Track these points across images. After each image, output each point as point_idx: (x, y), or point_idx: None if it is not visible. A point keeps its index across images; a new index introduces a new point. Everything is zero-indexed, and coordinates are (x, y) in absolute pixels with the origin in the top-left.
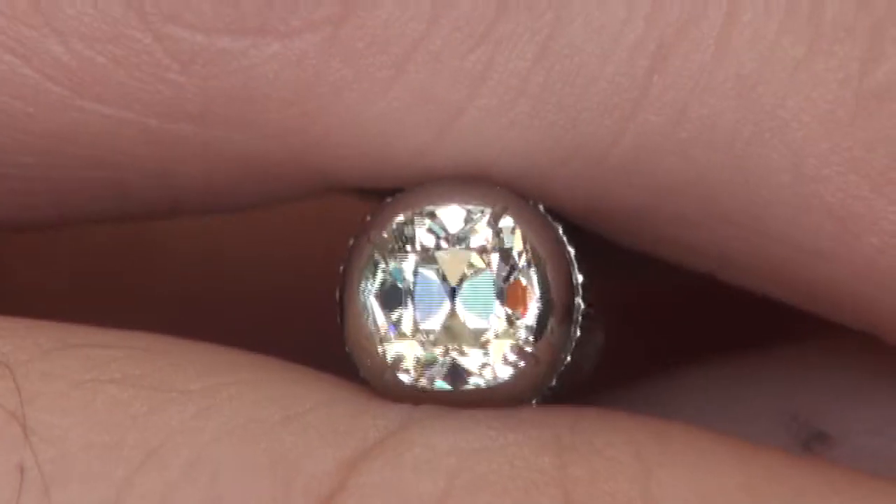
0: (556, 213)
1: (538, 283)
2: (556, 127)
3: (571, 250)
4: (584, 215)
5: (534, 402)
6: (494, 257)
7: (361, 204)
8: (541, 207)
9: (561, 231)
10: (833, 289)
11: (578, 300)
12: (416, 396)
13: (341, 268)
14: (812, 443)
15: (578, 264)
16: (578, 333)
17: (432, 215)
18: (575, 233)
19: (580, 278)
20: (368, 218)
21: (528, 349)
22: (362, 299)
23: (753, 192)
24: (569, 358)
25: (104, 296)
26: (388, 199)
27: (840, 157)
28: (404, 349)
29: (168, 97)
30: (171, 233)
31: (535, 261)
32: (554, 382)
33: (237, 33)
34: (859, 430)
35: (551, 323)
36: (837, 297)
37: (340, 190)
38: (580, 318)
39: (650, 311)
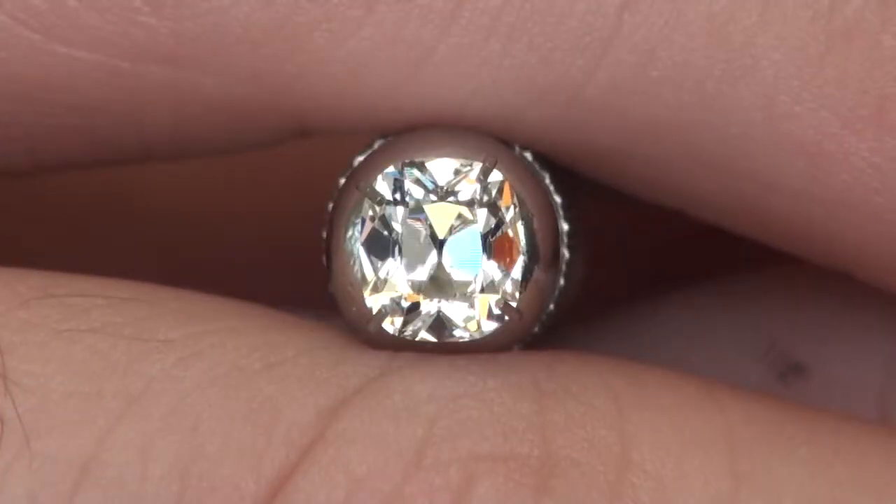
0: (544, 160)
1: (525, 237)
2: (528, 66)
3: (558, 199)
4: (556, 156)
5: (515, 347)
6: (482, 211)
7: (340, 148)
8: (528, 156)
9: (548, 180)
10: (805, 226)
11: (564, 249)
12: (400, 345)
13: (329, 208)
14: (788, 374)
15: (565, 212)
16: (562, 282)
17: (422, 167)
18: (564, 177)
19: (566, 227)
20: (356, 162)
21: (513, 304)
22: (349, 247)
23: (724, 130)
24: (552, 306)
25: (84, 246)
26: (378, 144)
27: (810, 94)
28: (389, 299)
29: (139, 40)
30: (152, 181)
31: (523, 215)
32: (537, 330)
33: None
34: (834, 360)
35: (537, 275)
36: (809, 235)
37: (315, 134)
38: (565, 267)
39: (629, 239)
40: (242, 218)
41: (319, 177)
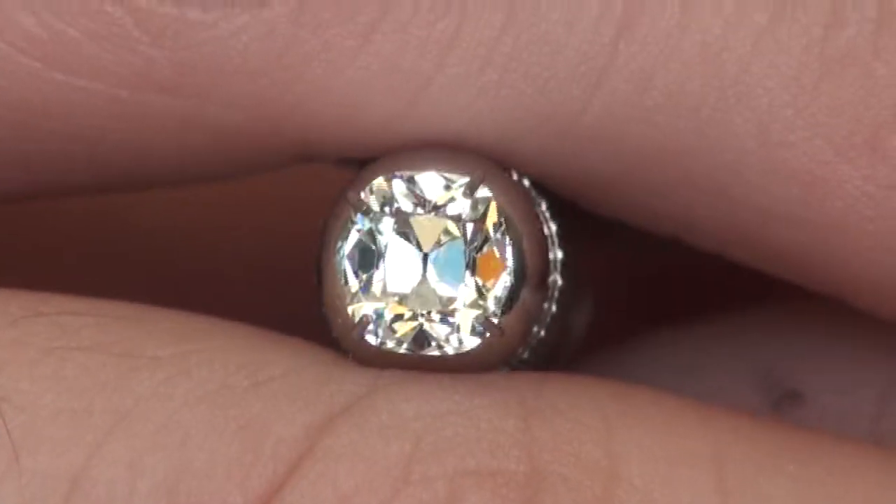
0: (542, 188)
1: (511, 255)
2: (524, 96)
3: (554, 226)
4: (552, 183)
5: (505, 369)
6: (469, 227)
7: (338, 173)
8: (525, 182)
9: (545, 206)
10: (799, 253)
11: (556, 276)
12: (384, 360)
13: (322, 225)
14: (783, 402)
15: (560, 240)
16: (555, 309)
17: (411, 180)
18: (563, 208)
19: (560, 255)
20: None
21: (495, 321)
22: (337, 259)
23: (719, 158)
24: (543, 332)
25: (78, 265)
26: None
27: (804, 122)
28: (372, 310)
29: (139, 69)
30: (146, 203)
31: (510, 233)
32: (526, 355)
33: (207, 5)
34: (829, 389)
35: (523, 296)
36: (804, 262)
37: (315, 161)
38: (557, 294)
39: (627, 278)
40: (237, 236)
41: (316, 195)
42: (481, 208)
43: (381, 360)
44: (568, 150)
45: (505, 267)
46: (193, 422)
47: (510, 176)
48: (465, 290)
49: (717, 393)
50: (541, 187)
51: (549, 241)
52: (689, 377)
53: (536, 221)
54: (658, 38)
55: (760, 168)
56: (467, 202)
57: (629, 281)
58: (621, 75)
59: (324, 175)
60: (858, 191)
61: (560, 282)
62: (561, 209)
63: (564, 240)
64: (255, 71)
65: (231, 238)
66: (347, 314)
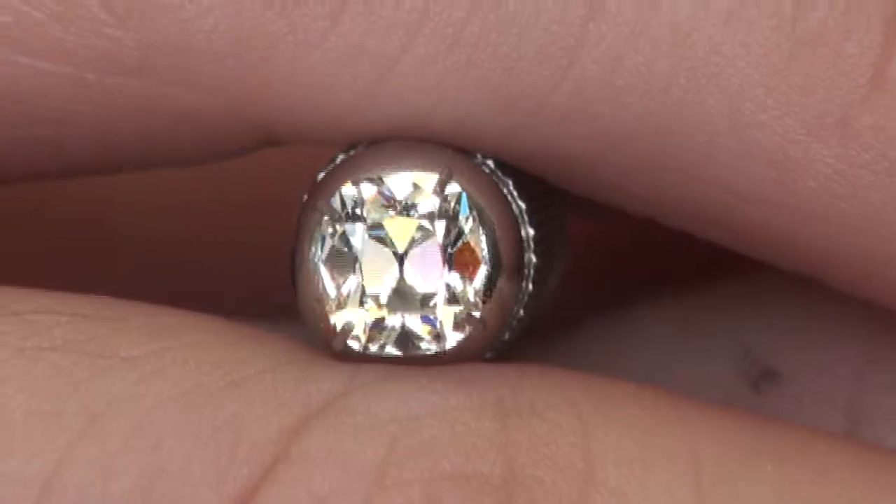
0: (507, 166)
1: (486, 246)
2: (493, 76)
3: (522, 204)
4: (523, 166)
5: (488, 355)
6: (441, 223)
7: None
8: (490, 163)
9: (512, 186)
10: (773, 234)
11: (530, 255)
12: (367, 360)
13: (295, 233)
14: (761, 382)
15: (530, 217)
16: (531, 287)
17: (380, 182)
18: (530, 183)
19: (531, 232)
20: (318, 179)
21: (476, 314)
22: (312, 265)
23: (691, 139)
24: (522, 312)
25: (56, 268)
26: (338, 160)
27: (775, 101)
28: (353, 316)
29: (105, 51)
30: (124, 199)
31: (483, 225)
32: (507, 336)
33: None
34: (807, 368)
35: (500, 284)
36: (778, 243)
37: (283, 144)
38: (532, 271)
39: (604, 248)
40: (218, 233)
41: (292, 193)
42: (452, 203)
43: (362, 360)
44: (538, 132)
45: (481, 259)
46: (167, 423)
47: (476, 163)
48: (444, 287)
49: (696, 371)
50: (506, 166)
51: (520, 219)
52: (668, 355)
53: (507, 206)
54: (627, 19)
55: (733, 148)
56: (437, 199)
57: (609, 253)
58: (591, 56)
59: (303, 170)
60: (830, 169)
61: (534, 259)
62: (528, 185)
63: (535, 215)
64: (222, 53)
65: (214, 234)
66: (328, 322)
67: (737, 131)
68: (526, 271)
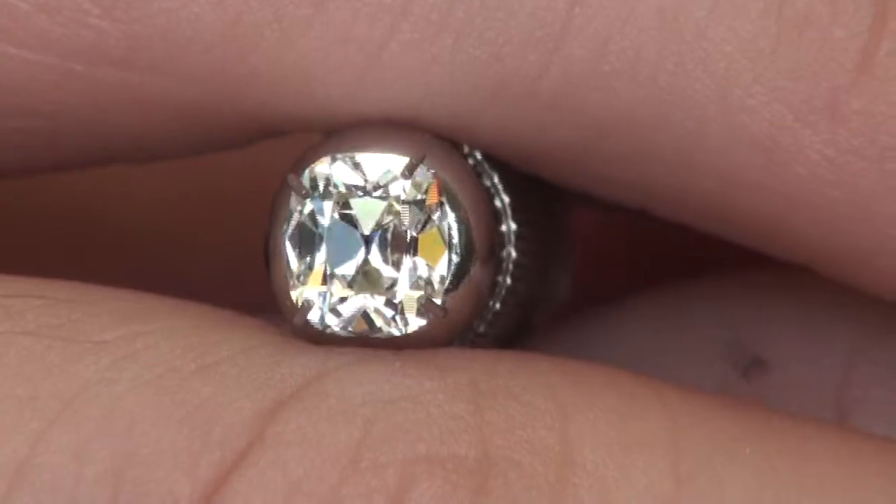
0: (496, 161)
1: (456, 234)
2: (479, 62)
3: (507, 198)
4: (512, 155)
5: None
6: (408, 208)
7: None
8: (477, 155)
9: (497, 179)
10: (763, 221)
11: (509, 249)
12: (332, 341)
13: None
14: (750, 369)
15: (514, 213)
16: (509, 282)
17: (352, 161)
18: (518, 179)
19: (513, 227)
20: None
21: (438, 301)
22: (280, 242)
23: (679, 125)
24: (498, 305)
25: (45, 261)
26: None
27: (764, 86)
28: (315, 294)
29: (91, 42)
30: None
31: (454, 210)
32: (482, 329)
33: None
34: (795, 358)
35: (472, 272)
36: (768, 230)
37: (275, 135)
38: (511, 266)
39: (593, 242)
40: (206, 226)
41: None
42: (423, 187)
43: (327, 341)
44: (525, 119)
45: (447, 246)
46: (140, 407)
47: (456, 151)
48: (407, 271)
49: (686, 361)
50: (494, 160)
51: (503, 213)
52: (657, 345)
53: (483, 196)
54: (614, 3)
55: (721, 134)
56: (408, 182)
57: (598, 246)
58: (577, 40)
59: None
60: (819, 155)
61: (514, 254)
62: (516, 181)
63: (520, 211)
64: (208, 42)
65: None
66: (291, 298)
67: (725, 117)
68: (504, 265)
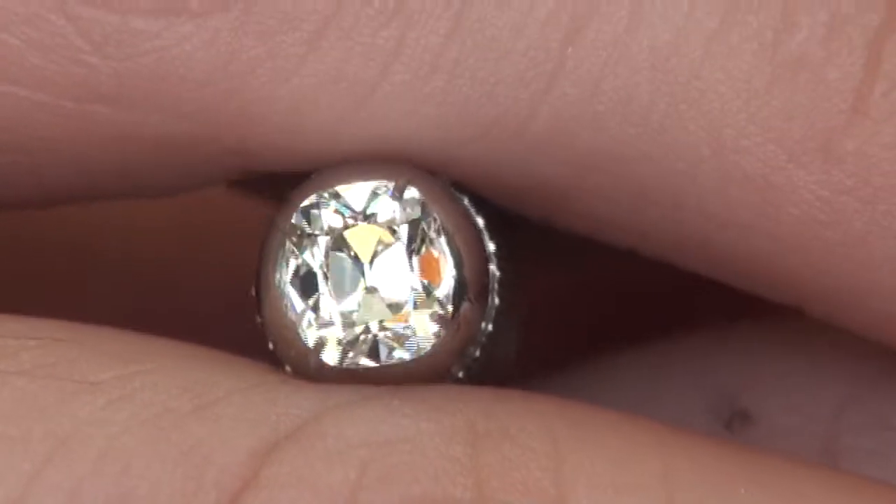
0: (483, 204)
1: (450, 251)
2: (471, 101)
3: (480, 220)
4: (503, 193)
5: (460, 373)
6: (403, 229)
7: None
8: (465, 200)
9: (467, 202)
10: (756, 261)
11: (493, 268)
12: (343, 377)
13: (258, 259)
14: (734, 422)
15: (489, 234)
16: (497, 301)
17: (336, 196)
18: (503, 226)
19: (492, 247)
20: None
21: (448, 317)
22: (278, 288)
23: (672, 165)
24: (490, 326)
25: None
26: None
27: (757, 127)
28: (325, 333)
29: (82, 79)
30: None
31: (445, 230)
32: (478, 353)
33: (150, 14)
34: (778, 407)
35: (469, 290)
36: (760, 271)
37: (253, 178)
38: (497, 286)
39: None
40: (207, 260)
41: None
42: (413, 209)
43: (339, 377)
44: (516, 157)
45: (446, 263)
46: (135, 448)
47: (432, 176)
48: (411, 293)
49: (668, 415)
50: (481, 203)
51: (481, 233)
52: (642, 399)
53: (465, 216)
54: (606, 43)
55: (714, 175)
56: (397, 205)
57: (589, 301)
58: (569, 80)
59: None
60: (813, 196)
61: (497, 273)
62: (501, 227)
63: (503, 259)
64: (200, 80)
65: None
66: (300, 342)
67: (718, 157)
68: (490, 284)
